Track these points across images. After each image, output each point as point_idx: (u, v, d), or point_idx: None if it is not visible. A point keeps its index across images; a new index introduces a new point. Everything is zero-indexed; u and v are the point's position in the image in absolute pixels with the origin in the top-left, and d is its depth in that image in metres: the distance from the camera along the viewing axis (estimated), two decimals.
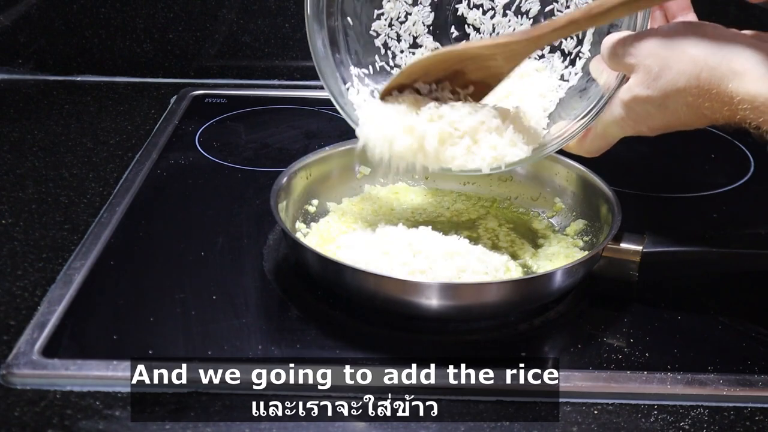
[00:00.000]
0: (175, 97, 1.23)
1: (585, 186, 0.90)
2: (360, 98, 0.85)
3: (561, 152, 0.90)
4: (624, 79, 0.73)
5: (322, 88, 1.24)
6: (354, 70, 0.86)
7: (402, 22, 0.88)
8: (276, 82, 1.30)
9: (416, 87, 0.82)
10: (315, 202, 0.91)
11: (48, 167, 1.03)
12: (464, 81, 0.81)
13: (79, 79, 1.29)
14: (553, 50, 0.87)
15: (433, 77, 0.81)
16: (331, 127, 1.15)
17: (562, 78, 0.87)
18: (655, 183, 1.02)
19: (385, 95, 0.82)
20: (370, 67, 0.87)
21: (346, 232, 0.86)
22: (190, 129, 1.13)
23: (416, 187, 0.96)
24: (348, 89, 0.85)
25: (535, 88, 0.87)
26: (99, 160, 1.04)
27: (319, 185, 0.92)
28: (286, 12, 1.27)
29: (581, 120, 0.79)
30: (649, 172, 1.07)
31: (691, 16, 0.77)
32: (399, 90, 0.82)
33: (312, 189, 0.91)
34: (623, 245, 0.79)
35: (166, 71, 1.29)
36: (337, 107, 0.84)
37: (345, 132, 1.12)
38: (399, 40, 0.88)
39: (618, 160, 1.05)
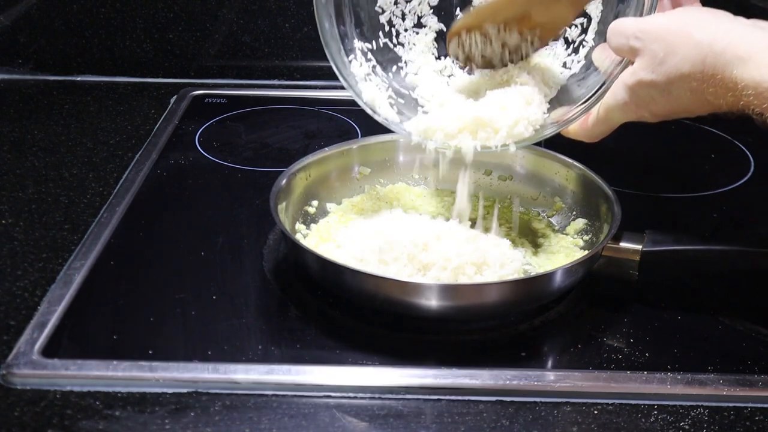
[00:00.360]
0: (175, 97, 1.23)
1: (585, 185, 0.90)
2: (362, 71, 0.86)
3: (561, 149, 0.91)
4: (627, 64, 0.74)
5: (322, 88, 1.26)
6: (358, 44, 0.87)
7: (408, 1, 0.88)
8: (276, 82, 1.30)
9: (485, 29, 0.84)
10: (315, 203, 0.91)
11: (48, 167, 1.03)
12: (531, 24, 0.83)
13: (79, 79, 1.29)
14: (556, 38, 0.88)
15: (500, 19, 0.83)
16: (331, 127, 1.15)
17: (564, 66, 0.87)
18: (655, 183, 1.02)
19: (453, 36, 0.85)
20: (374, 42, 0.88)
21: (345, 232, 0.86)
22: (190, 129, 1.13)
23: (416, 188, 0.96)
24: (351, 61, 0.86)
25: (537, 75, 0.87)
26: (99, 160, 1.04)
27: (318, 186, 0.92)
28: (286, 12, 1.27)
29: (582, 104, 0.79)
30: (649, 172, 1.07)
31: (697, 5, 0.77)
32: (467, 31, 0.85)
33: (311, 190, 0.91)
34: (623, 244, 0.79)
35: (166, 71, 1.29)
36: (340, 78, 0.85)
37: (345, 132, 1.13)
38: (404, 19, 0.89)
39: (618, 160, 1.05)
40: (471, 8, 0.87)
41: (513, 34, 0.84)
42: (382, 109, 0.85)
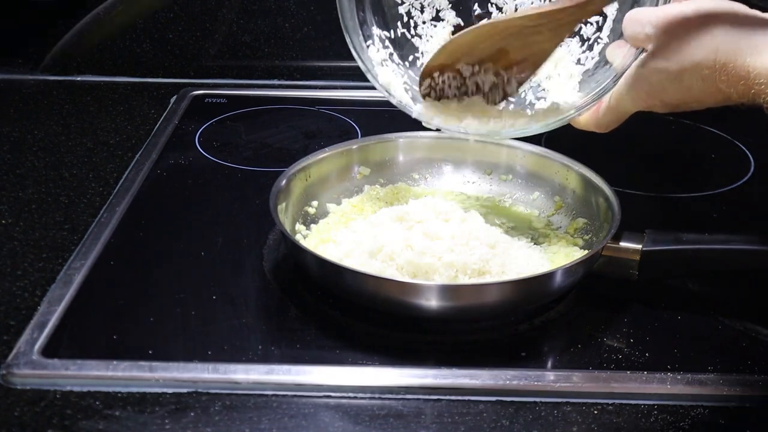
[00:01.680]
0: (175, 97, 1.23)
1: (585, 184, 0.90)
2: (379, 56, 0.87)
3: (561, 149, 0.90)
4: (641, 54, 0.74)
5: (322, 88, 1.26)
6: (376, 31, 0.88)
7: None
8: (276, 82, 1.30)
9: (458, 69, 0.82)
10: (314, 203, 0.91)
11: (48, 167, 1.03)
12: (508, 61, 0.82)
13: (79, 79, 1.29)
14: (572, 36, 0.88)
15: (476, 57, 0.82)
16: (331, 127, 1.15)
17: (578, 62, 0.88)
18: (655, 183, 1.02)
19: (426, 77, 0.83)
20: (392, 31, 0.89)
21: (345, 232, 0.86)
22: (190, 129, 1.13)
23: (416, 188, 0.96)
24: (368, 47, 0.87)
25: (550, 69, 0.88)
26: (99, 160, 1.04)
27: (318, 187, 0.92)
28: (286, 12, 1.27)
29: (593, 93, 0.80)
30: (649, 172, 1.07)
31: None
32: (440, 71, 0.83)
33: (311, 190, 0.91)
34: (623, 244, 0.79)
35: (166, 71, 1.29)
36: (357, 60, 0.86)
37: (345, 132, 1.13)
38: (422, 11, 0.89)
39: (618, 160, 1.05)
40: (442, 44, 0.86)
41: (488, 75, 0.84)
42: (397, 92, 0.86)
